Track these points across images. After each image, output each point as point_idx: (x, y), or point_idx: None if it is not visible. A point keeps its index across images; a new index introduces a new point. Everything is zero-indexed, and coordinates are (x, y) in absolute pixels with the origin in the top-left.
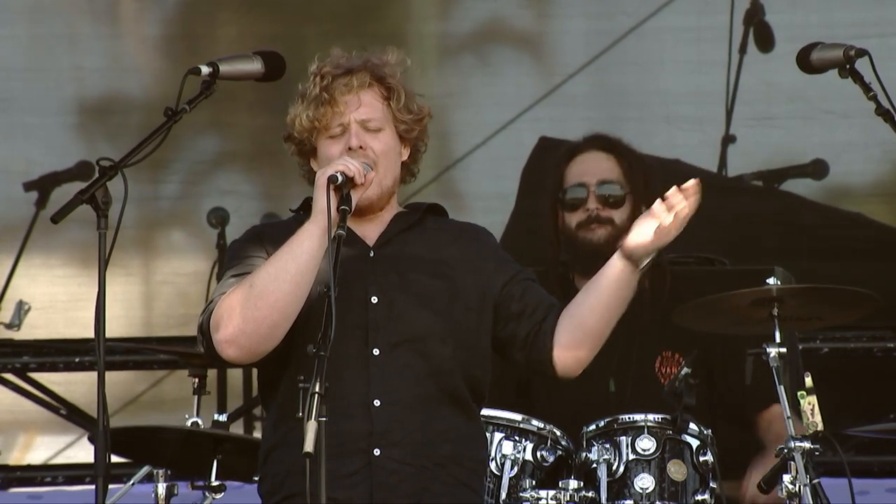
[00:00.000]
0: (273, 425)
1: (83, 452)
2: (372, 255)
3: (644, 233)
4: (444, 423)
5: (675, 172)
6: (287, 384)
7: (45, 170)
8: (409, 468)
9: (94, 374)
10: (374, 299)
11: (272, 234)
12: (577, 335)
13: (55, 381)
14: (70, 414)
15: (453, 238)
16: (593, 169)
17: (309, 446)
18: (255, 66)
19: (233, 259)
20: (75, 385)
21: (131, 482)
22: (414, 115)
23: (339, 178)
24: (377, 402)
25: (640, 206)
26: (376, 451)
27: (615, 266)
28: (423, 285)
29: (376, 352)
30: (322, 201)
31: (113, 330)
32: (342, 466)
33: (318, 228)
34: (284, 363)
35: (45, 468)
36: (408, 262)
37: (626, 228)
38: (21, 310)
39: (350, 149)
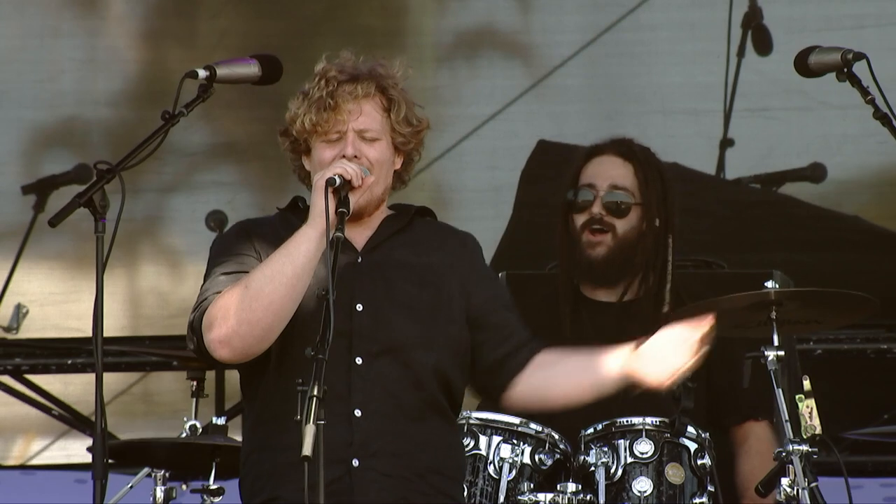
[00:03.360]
0: (252, 427)
1: (82, 451)
2: (360, 260)
3: (657, 370)
4: (425, 433)
5: (673, 175)
6: (268, 386)
7: (38, 164)
8: (388, 479)
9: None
10: (359, 307)
11: (260, 231)
12: (537, 400)
13: (52, 379)
14: (66, 416)
15: (441, 242)
16: (606, 173)
17: (307, 450)
18: (252, 69)
19: (221, 255)
20: (72, 383)
21: (129, 485)
22: (412, 127)
23: (338, 181)
24: (358, 413)
25: (653, 219)
26: (355, 462)
27: (613, 375)
28: (408, 293)
29: (359, 361)
30: (320, 204)
31: (105, 329)
32: (323, 474)
33: (316, 231)
34: (268, 365)
35: (43, 468)
36: (395, 268)
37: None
38: (19, 313)
39: (344, 156)
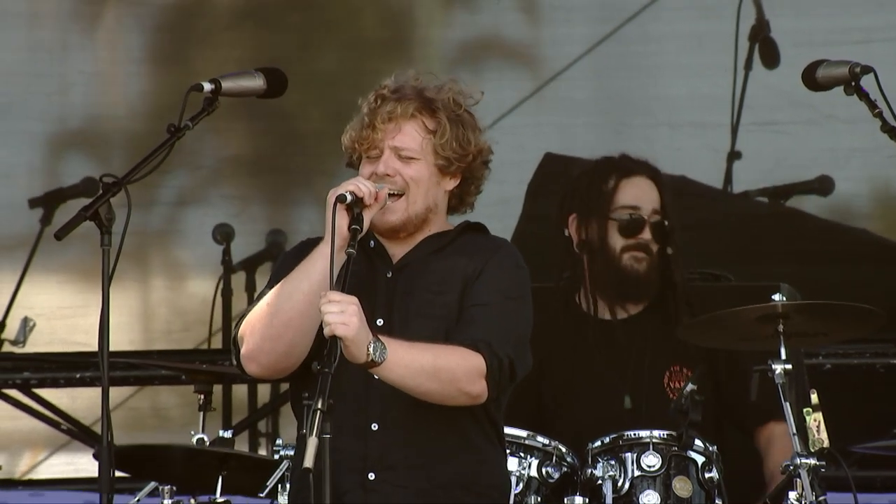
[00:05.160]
0: (297, 442)
1: (90, 465)
2: (389, 275)
3: None
4: (447, 446)
5: (681, 189)
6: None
7: (46, 178)
8: (404, 491)
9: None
10: (380, 322)
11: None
12: None
13: (60, 393)
14: (73, 430)
15: (474, 251)
16: (646, 197)
17: (309, 462)
18: (258, 82)
19: (274, 274)
20: (80, 397)
21: (136, 498)
22: (458, 151)
23: (349, 198)
24: (375, 426)
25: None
26: (371, 476)
27: None
28: (430, 310)
29: (377, 375)
30: (330, 220)
31: (113, 342)
32: (337, 485)
33: (329, 248)
34: (305, 381)
35: (50, 482)
36: (422, 285)
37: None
38: (26, 326)
39: (376, 174)
